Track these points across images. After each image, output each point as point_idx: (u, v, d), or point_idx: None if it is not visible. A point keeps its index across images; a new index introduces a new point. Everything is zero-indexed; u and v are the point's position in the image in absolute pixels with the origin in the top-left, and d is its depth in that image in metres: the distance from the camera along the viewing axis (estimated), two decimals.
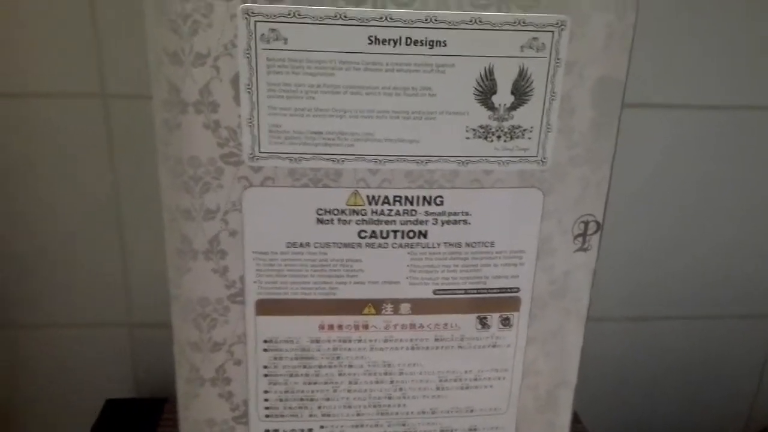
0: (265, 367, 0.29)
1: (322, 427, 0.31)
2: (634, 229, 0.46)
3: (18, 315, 0.45)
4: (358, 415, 0.31)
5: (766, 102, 0.44)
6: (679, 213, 0.46)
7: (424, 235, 0.28)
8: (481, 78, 0.25)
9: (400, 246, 0.28)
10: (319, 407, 0.30)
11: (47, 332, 0.46)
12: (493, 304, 0.29)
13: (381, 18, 0.24)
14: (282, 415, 0.30)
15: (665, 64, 0.42)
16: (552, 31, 0.25)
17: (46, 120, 0.41)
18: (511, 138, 0.26)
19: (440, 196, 0.27)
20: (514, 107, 0.26)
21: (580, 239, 0.29)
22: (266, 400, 0.30)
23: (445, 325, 0.29)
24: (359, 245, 0.28)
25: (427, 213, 0.27)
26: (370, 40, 0.24)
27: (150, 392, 0.48)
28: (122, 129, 0.41)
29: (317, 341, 0.29)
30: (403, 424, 0.31)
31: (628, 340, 0.50)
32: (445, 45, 0.24)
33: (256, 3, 0.23)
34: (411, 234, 0.28)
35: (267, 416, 0.30)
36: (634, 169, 0.44)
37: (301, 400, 0.30)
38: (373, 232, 0.28)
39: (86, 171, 0.42)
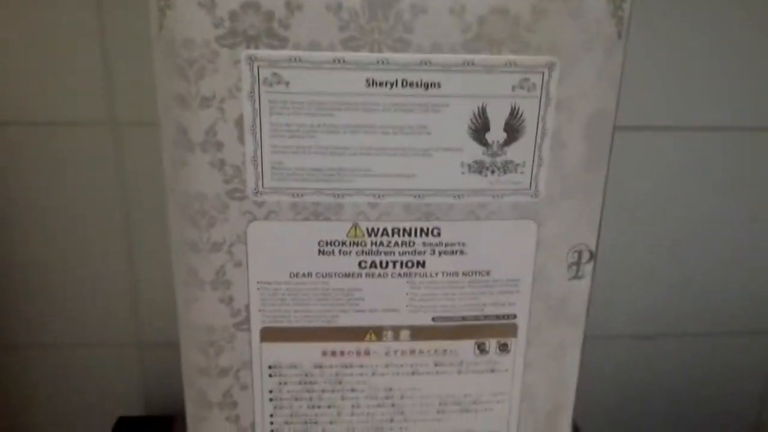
0: (271, 391, 0.31)
1: None
2: (636, 247, 0.47)
3: (27, 335, 0.46)
4: None
5: (765, 123, 0.44)
6: (680, 231, 0.47)
7: (423, 264, 0.29)
8: (475, 116, 0.26)
9: (400, 275, 0.29)
10: (323, 430, 0.31)
11: (56, 352, 0.47)
12: (490, 331, 0.30)
13: (378, 62, 0.25)
14: None
15: (663, 86, 0.43)
16: (542, 72, 0.26)
17: (57, 147, 0.42)
18: (505, 172, 0.27)
19: (437, 228, 0.28)
20: (506, 143, 0.27)
21: (574, 268, 0.29)
22: (272, 423, 0.31)
23: (444, 351, 0.30)
24: (360, 275, 0.29)
25: (425, 244, 0.28)
26: (368, 82, 0.25)
27: (160, 410, 0.49)
28: (132, 156, 0.42)
29: (320, 367, 0.30)
30: None
31: (630, 357, 0.50)
32: (440, 86, 0.25)
33: (258, 50, 0.25)
34: (409, 264, 0.29)
35: None
36: (636, 188, 0.45)
37: (306, 423, 0.31)
38: (373, 262, 0.29)
39: (96, 195, 0.43)
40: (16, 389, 0.48)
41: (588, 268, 0.29)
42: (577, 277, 0.30)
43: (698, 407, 0.52)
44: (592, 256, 0.29)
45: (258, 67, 0.25)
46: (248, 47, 0.25)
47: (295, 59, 0.25)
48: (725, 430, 0.53)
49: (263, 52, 0.25)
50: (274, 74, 0.25)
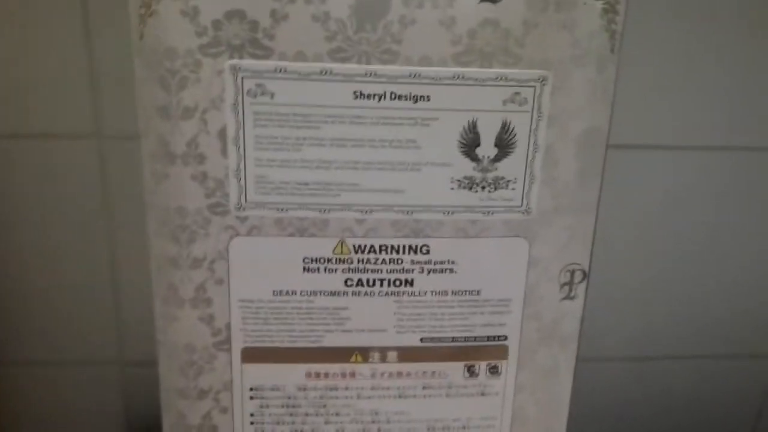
0: (252, 414, 0.29)
1: None
2: (629, 268, 0.46)
3: (5, 352, 0.45)
4: None
5: (762, 143, 0.44)
6: (674, 252, 0.46)
7: (411, 283, 0.28)
8: (465, 131, 0.25)
9: (387, 294, 0.28)
10: None
11: (35, 370, 0.46)
12: (480, 352, 0.29)
13: (366, 74, 0.24)
14: None
15: (658, 104, 0.42)
16: (534, 86, 0.25)
17: (41, 161, 0.41)
18: (496, 189, 0.26)
19: (426, 245, 0.27)
20: (497, 159, 0.26)
21: (567, 288, 0.29)
22: None
23: (433, 373, 0.29)
24: (346, 293, 0.28)
25: (413, 262, 0.28)
26: (356, 95, 0.25)
27: (141, 430, 0.48)
28: (117, 170, 0.42)
29: (304, 389, 0.29)
30: None
31: (623, 379, 0.49)
32: (429, 99, 0.25)
33: (243, 60, 0.24)
34: (397, 282, 0.28)
35: None
36: (632, 209, 0.45)
37: None
38: (360, 280, 0.28)
39: (79, 211, 0.42)
40: None
41: (581, 288, 0.29)
42: (569, 297, 0.29)
43: (692, 430, 0.51)
44: (585, 275, 0.28)
45: (242, 78, 0.24)
46: (232, 57, 0.24)
47: (281, 70, 0.24)
48: None
49: (247, 63, 0.24)
50: (259, 85, 0.24)
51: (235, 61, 0.24)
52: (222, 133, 0.25)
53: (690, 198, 0.45)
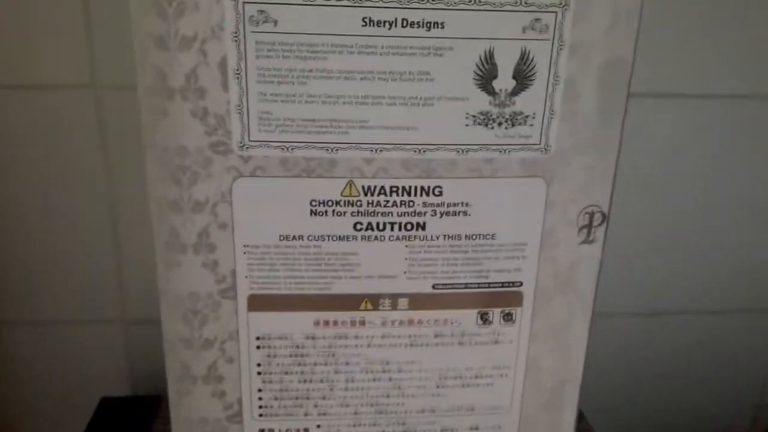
0: (259, 365, 0.28)
1: (318, 426, 0.30)
2: (640, 222, 0.45)
3: (9, 311, 0.45)
4: (355, 413, 0.30)
5: None
6: (686, 205, 0.45)
7: (423, 227, 0.27)
8: (481, 62, 0.24)
9: (398, 239, 0.27)
10: (315, 406, 0.29)
11: (37, 329, 0.45)
12: (494, 299, 0.28)
13: None
14: (277, 414, 0.29)
15: (668, 53, 0.41)
16: (555, 12, 0.23)
17: (38, 112, 0.40)
18: (513, 125, 0.25)
19: (439, 187, 0.26)
20: (515, 92, 0.24)
21: (585, 231, 0.27)
22: (260, 398, 0.29)
23: (445, 321, 0.28)
24: (355, 238, 0.27)
25: (425, 204, 0.26)
26: (365, 21, 0.23)
27: (145, 389, 0.47)
28: (114, 121, 0.40)
29: (312, 338, 0.28)
30: (403, 423, 0.30)
31: (634, 335, 0.49)
32: (443, 27, 0.23)
33: None
34: (409, 226, 0.27)
35: (261, 415, 0.29)
36: (640, 160, 0.43)
37: (297, 398, 0.29)
38: (369, 224, 0.26)
39: (79, 164, 0.41)
40: None
41: (600, 232, 0.27)
42: (588, 241, 0.28)
43: (702, 386, 0.51)
44: (605, 218, 0.27)
45: (243, 3, 0.23)
46: None
47: None
48: (729, 408, 0.51)
49: None
50: (261, 12, 0.23)
51: None
52: (222, 65, 0.23)
53: (699, 148, 0.43)
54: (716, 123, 0.43)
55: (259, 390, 0.29)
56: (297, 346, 0.28)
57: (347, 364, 0.29)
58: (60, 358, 0.46)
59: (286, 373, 0.29)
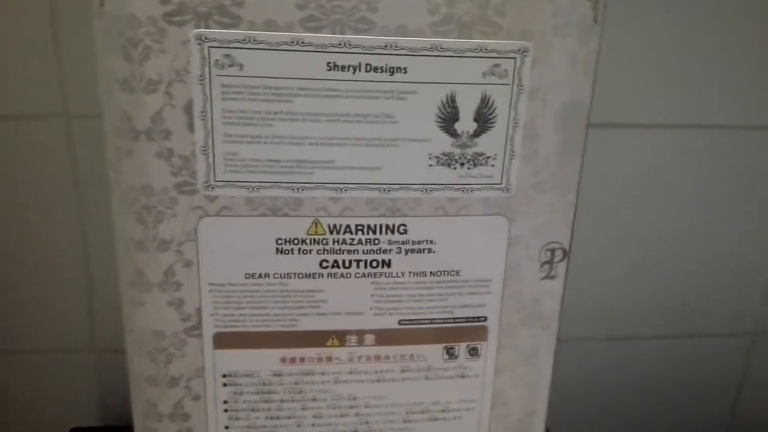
0: (225, 402, 0.28)
1: None
2: (610, 248, 0.46)
3: None
4: None
5: (740, 122, 0.44)
6: (654, 232, 0.46)
7: (388, 264, 0.27)
8: (443, 105, 0.24)
9: (364, 276, 0.27)
10: None
11: (9, 358, 0.44)
12: (460, 334, 0.29)
13: (340, 44, 0.23)
14: None
15: (636, 84, 0.42)
16: (514, 58, 0.24)
17: (9, 141, 0.40)
18: (475, 165, 0.26)
19: (404, 225, 0.26)
20: (477, 134, 0.25)
21: (547, 266, 0.28)
22: None
23: (411, 356, 0.29)
24: (321, 275, 0.27)
25: (390, 242, 0.27)
26: (329, 66, 0.23)
27: (116, 420, 0.47)
28: (86, 151, 0.40)
29: (279, 375, 0.28)
30: None
31: (604, 359, 0.49)
32: (406, 72, 0.24)
33: (209, 29, 0.23)
34: (374, 263, 0.27)
35: None
36: (609, 188, 0.44)
37: None
38: (335, 261, 0.27)
39: (50, 193, 0.41)
40: None
41: (561, 267, 0.28)
42: (549, 276, 0.28)
43: (672, 409, 0.51)
44: (566, 254, 0.28)
45: (209, 48, 0.23)
46: (198, 26, 0.23)
47: (250, 40, 0.23)
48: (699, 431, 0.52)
49: (214, 32, 0.23)
50: (227, 56, 0.23)
51: (201, 30, 0.23)
52: (188, 107, 0.24)
53: (669, 177, 0.45)
54: (685, 153, 0.44)
55: (226, 427, 0.29)
56: (264, 383, 0.28)
57: (314, 400, 0.29)
58: (30, 388, 0.45)
59: (253, 410, 0.29)
